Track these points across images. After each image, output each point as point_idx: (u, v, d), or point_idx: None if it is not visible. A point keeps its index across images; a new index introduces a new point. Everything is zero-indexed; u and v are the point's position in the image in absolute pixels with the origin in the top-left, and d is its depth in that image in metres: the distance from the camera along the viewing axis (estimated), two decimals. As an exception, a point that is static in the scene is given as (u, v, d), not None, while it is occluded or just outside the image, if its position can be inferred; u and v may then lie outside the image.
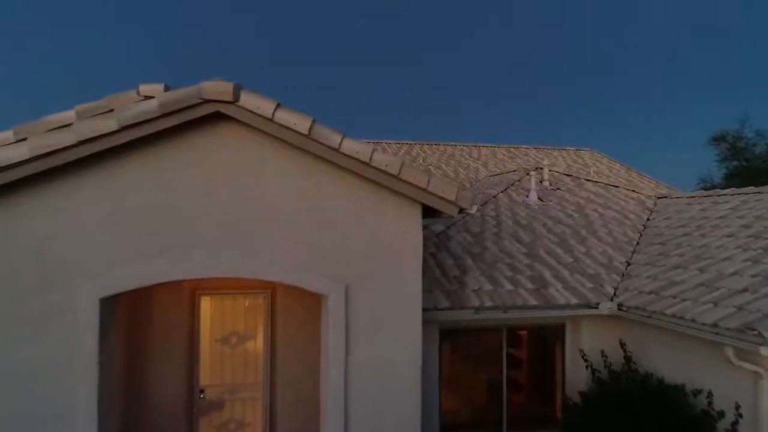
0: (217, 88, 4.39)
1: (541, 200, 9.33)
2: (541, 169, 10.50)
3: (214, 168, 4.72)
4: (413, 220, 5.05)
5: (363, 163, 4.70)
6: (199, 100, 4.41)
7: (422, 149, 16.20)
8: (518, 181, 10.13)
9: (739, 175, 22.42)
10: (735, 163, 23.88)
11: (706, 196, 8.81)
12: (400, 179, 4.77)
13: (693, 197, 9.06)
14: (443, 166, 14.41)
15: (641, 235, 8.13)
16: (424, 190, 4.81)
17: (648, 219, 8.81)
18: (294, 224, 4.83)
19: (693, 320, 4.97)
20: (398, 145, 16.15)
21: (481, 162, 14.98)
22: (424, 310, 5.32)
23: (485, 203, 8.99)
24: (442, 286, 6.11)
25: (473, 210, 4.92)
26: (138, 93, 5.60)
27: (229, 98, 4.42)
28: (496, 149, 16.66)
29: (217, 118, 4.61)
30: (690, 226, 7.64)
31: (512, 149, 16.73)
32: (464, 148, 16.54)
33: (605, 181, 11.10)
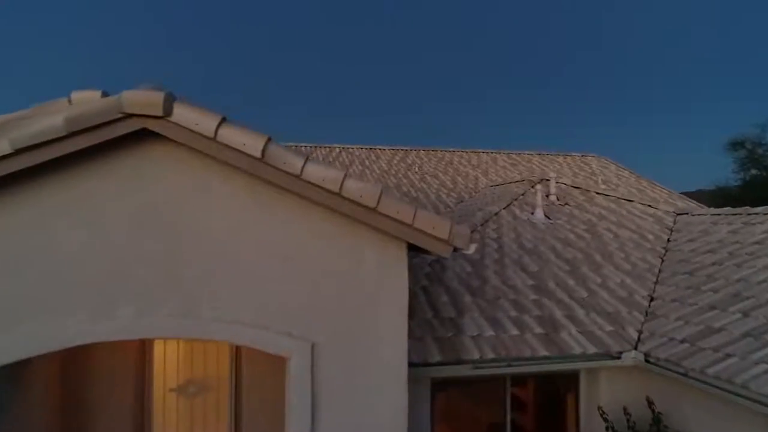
0: (142, 99, 3.41)
1: (548, 218, 8.36)
2: (548, 180, 9.53)
3: (145, 199, 3.74)
4: (396, 260, 4.07)
5: (332, 192, 3.72)
6: (120, 115, 3.44)
7: (418, 155, 15.25)
8: (522, 195, 9.16)
9: (758, 185, 20.78)
10: (754, 171, 22.11)
11: (734, 215, 7.82)
12: (379, 212, 3.79)
13: (718, 215, 8.07)
14: (440, 174, 13.45)
15: (663, 261, 7.15)
16: (410, 226, 3.83)
17: (669, 240, 7.83)
18: (246, 269, 3.85)
19: (745, 387, 4.00)
20: (392, 151, 15.20)
21: (480, 170, 13.99)
22: (413, 365, 4.38)
23: (486, 222, 8.02)
24: (434, 332, 5.14)
25: (471, 250, 3.94)
26: (70, 101, 4.72)
27: (158, 112, 3.44)
28: (497, 155, 15.68)
29: (147, 136, 3.64)
30: (720, 252, 6.66)
31: (514, 155, 15.74)
32: (463, 154, 15.57)
33: (616, 193, 10.13)
